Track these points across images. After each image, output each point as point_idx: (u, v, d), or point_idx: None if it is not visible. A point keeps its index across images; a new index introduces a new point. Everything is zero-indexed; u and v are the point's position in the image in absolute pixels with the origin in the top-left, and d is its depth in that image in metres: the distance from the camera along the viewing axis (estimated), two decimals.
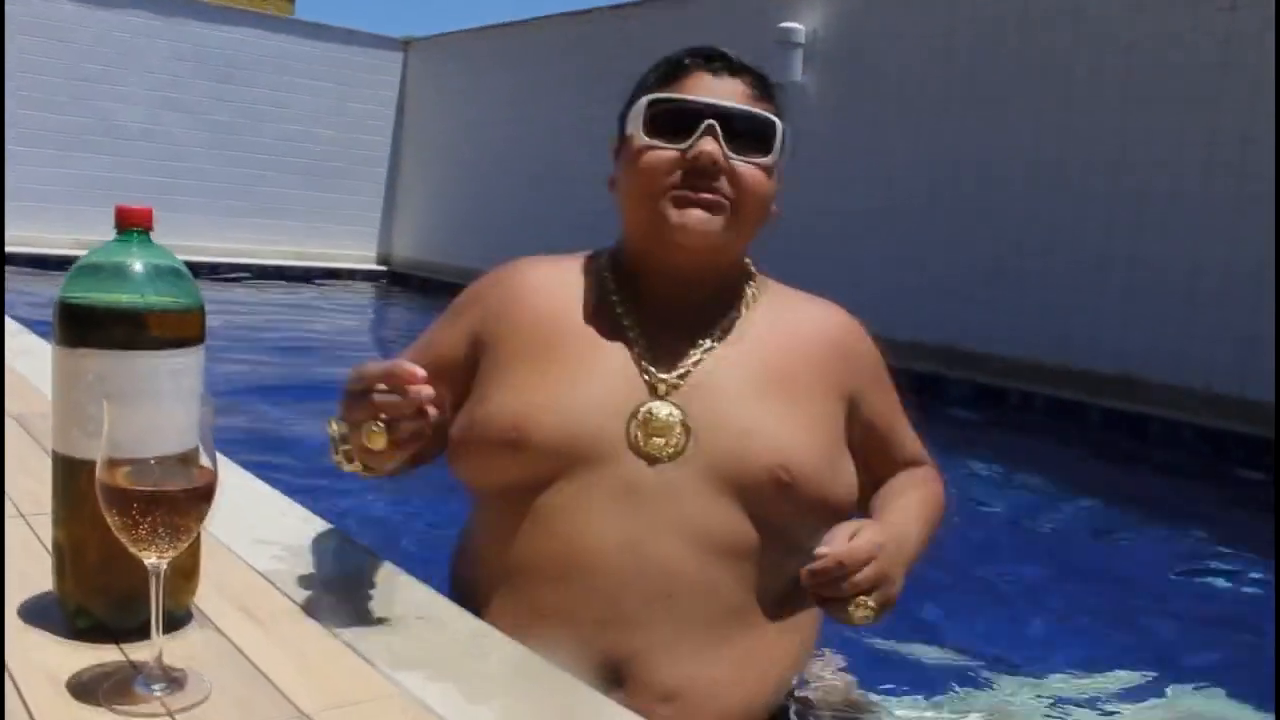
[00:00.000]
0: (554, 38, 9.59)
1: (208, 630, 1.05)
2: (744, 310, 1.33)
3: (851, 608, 1.12)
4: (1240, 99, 5.14)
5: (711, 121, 1.24)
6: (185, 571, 1.04)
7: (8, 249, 8.47)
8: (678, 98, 1.27)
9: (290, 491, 1.57)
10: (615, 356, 1.26)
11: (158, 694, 0.90)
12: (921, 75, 6.66)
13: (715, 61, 1.30)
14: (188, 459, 0.89)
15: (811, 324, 1.36)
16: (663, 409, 1.21)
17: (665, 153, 1.25)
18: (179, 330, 0.98)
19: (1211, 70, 5.29)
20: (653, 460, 1.19)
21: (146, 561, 0.88)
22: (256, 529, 1.37)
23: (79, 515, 0.97)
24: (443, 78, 11.33)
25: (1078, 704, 2.23)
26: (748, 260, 1.39)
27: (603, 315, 1.30)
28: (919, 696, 2.06)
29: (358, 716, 0.91)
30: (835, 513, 1.24)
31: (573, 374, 1.24)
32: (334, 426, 1.15)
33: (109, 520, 0.86)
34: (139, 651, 0.96)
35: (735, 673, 1.20)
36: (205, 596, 1.10)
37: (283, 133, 11.13)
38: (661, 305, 1.30)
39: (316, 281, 10.50)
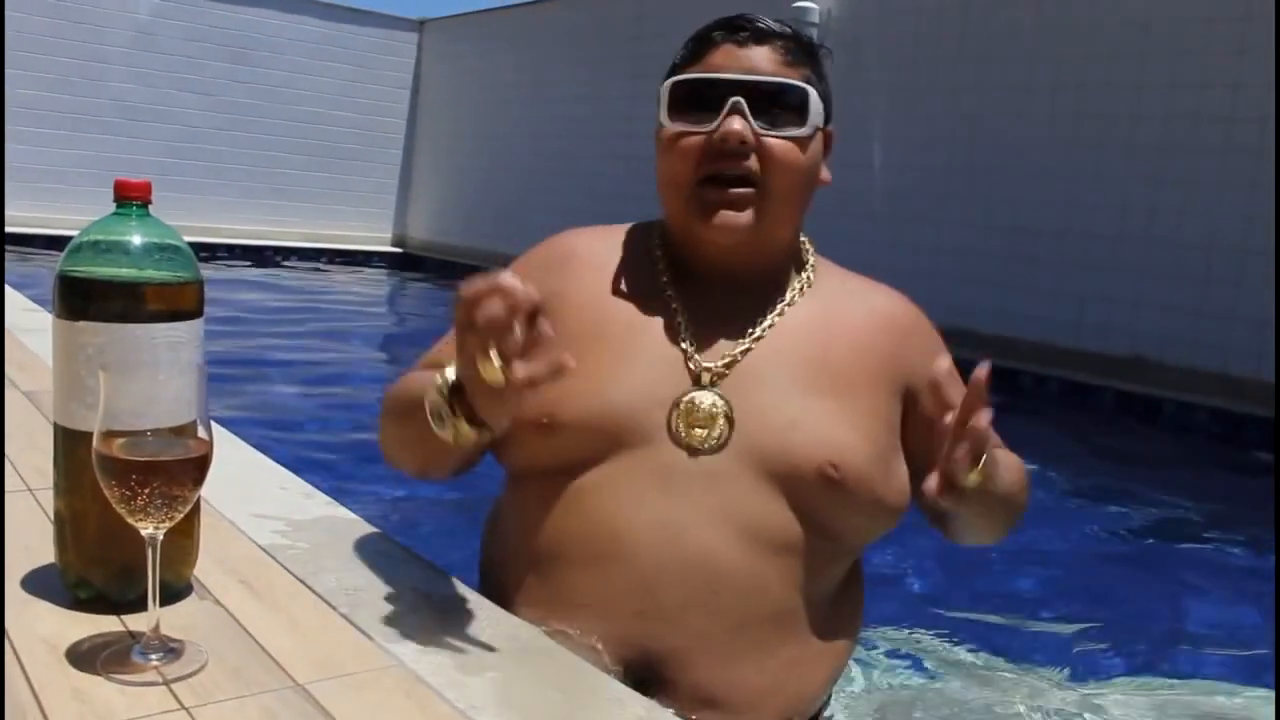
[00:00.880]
0: (568, 17, 9.56)
1: (206, 602, 1.06)
2: (796, 297, 1.26)
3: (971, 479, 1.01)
4: (1259, 80, 5.08)
5: (737, 98, 1.17)
6: (184, 544, 1.05)
7: (23, 230, 8.54)
8: (698, 76, 1.21)
9: (293, 466, 1.58)
10: (660, 341, 1.21)
11: (154, 663, 0.90)
12: (935, 56, 6.62)
13: (741, 30, 1.22)
14: (183, 430, 0.89)
15: (867, 312, 1.28)
16: (706, 399, 1.16)
17: (692, 138, 1.19)
18: (176, 303, 0.98)
19: (1230, 54, 5.24)
20: (693, 451, 1.15)
21: (143, 531, 0.89)
22: (257, 503, 1.38)
23: (79, 487, 0.98)
24: (457, 58, 11.32)
25: (1087, 687, 2.23)
26: (804, 240, 1.33)
27: (651, 296, 1.24)
28: (926, 674, 2.06)
29: (352, 687, 0.92)
30: (885, 514, 1.19)
31: (615, 358, 1.19)
32: (438, 386, 1.03)
33: (106, 491, 0.87)
34: (138, 622, 0.97)
35: (777, 682, 1.15)
36: (205, 569, 1.11)
37: (297, 114, 11.15)
38: (710, 289, 1.24)
39: (331, 263, 10.53)
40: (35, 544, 1.13)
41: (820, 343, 1.23)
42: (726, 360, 1.19)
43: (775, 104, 1.19)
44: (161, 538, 0.90)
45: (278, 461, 1.61)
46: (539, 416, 1.15)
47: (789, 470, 1.14)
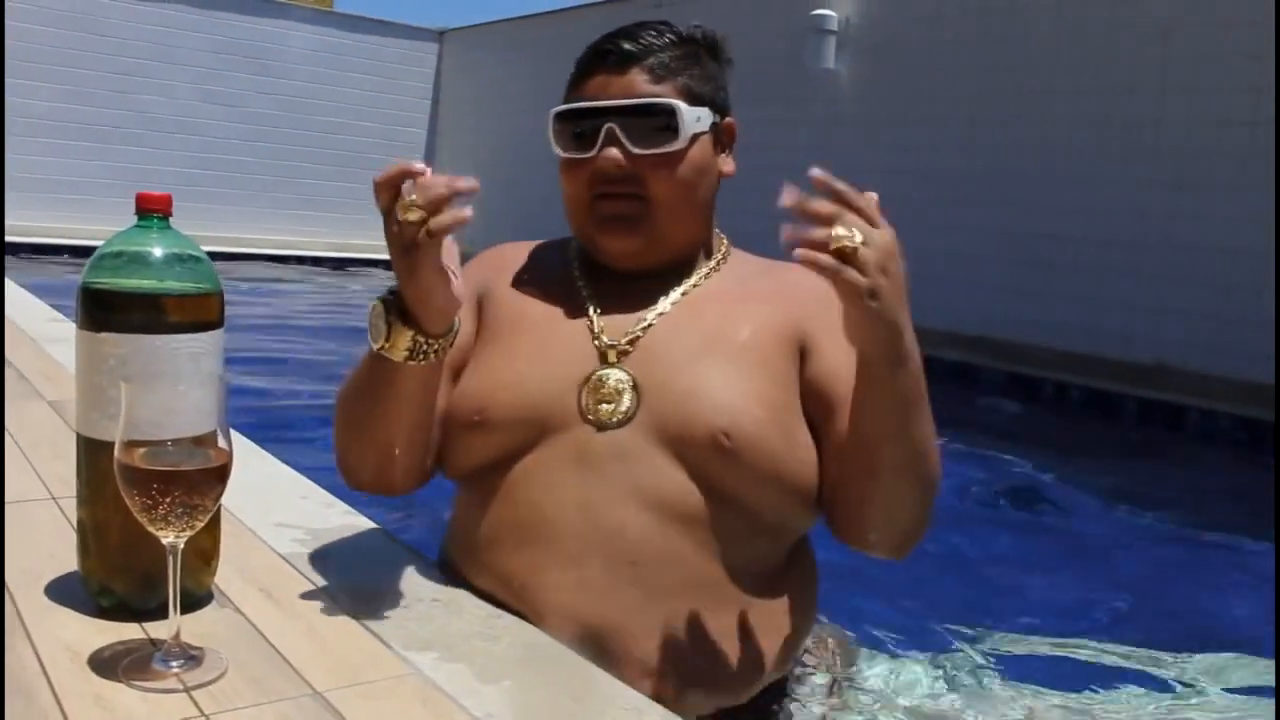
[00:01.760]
0: (587, 28, 9.54)
1: (227, 610, 1.07)
2: (701, 279, 1.32)
3: (839, 230, 0.98)
4: (1276, 88, 5.05)
5: (610, 125, 1.25)
6: (205, 553, 1.06)
7: (49, 241, 8.62)
8: (573, 107, 1.28)
9: (313, 476, 1.59)
10: (571, 328, 1.27)
11: (175, 670, 0.92)
12: (954, 62, 6.61)
13: (610, 55, 1.27)
14: (204, 440, 0.90)
15: (770, 283, 1.32)
16: (612, 374, 1.22)
17: (578, 165, 1.27)
18: (197, 314, 1.00)
19: (1248, 59, 5.21)
20: (602, 426, 1.19)
21: (164, 540, 0.90)
22: (278, 512, 1.40)
23: (101, 496, 1.00)
24: (476, 68, 11.38)
25: (1105, 691, 2.21)
26: (718, 232, 1.38)
27: (566, 291, 1.32)
28: (934, 684, 2.05)
29: (370, 695, 0.92)
30: (791, 486, 1.20)
31: (533, 349, 1.25)
32: (376, 299, 1.14)
33: (127, 500, 0.88)
34: (159, 630, 0.98)
35: (713, 654, 1.18)
36: (226, 578, 1.12)
37: (320, 124, 11.23)
38: (619, 280, 1.31)
39: (354, 271, 10.59)
40: (59, 552, 1.15)
41: (719, 313, 1.27)
42: (630, 337, 1.25)
43: (646, 124, 1.25)
44: (182, 546, 0.91)
45: (298, 471, 1.63)
46: (471, 414, 1.22)
47: (687, 439, 1.17)
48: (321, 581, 1.17)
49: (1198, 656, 2.40)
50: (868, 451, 1.15)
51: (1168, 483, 4.24)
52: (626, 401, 1.20)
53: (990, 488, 4.02)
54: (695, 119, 1.27)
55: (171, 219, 1.03)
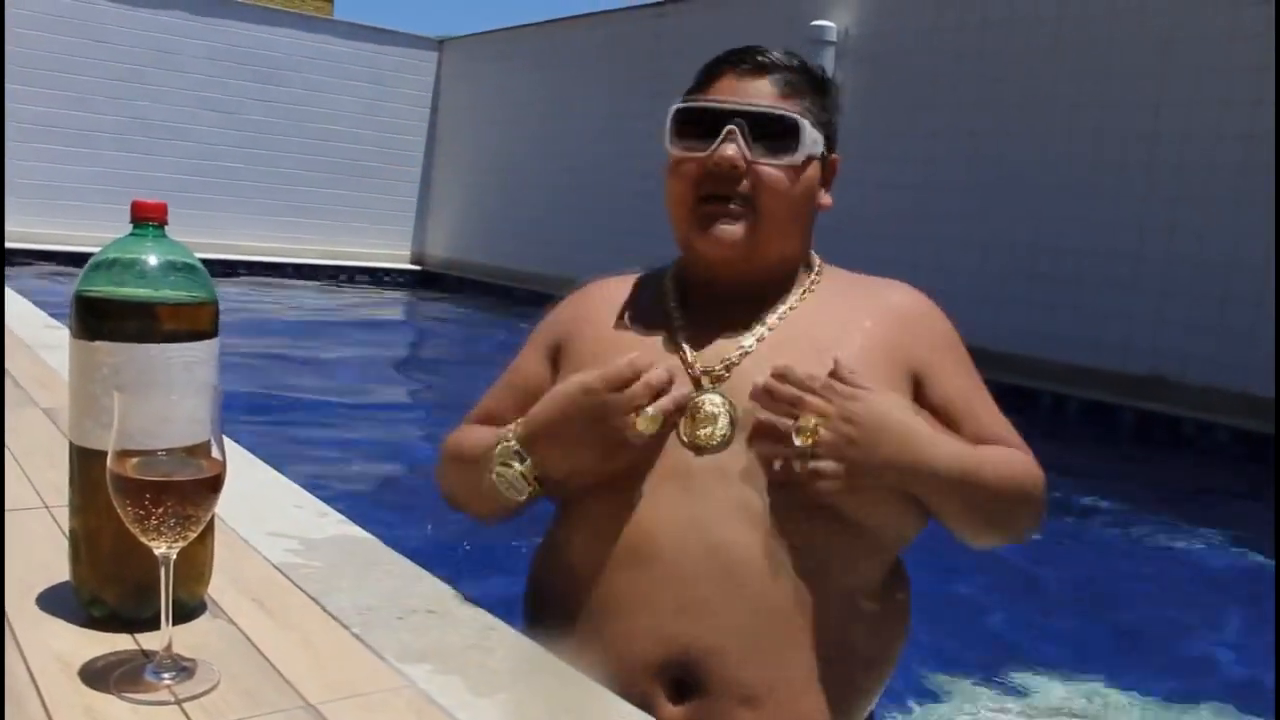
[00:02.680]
0: (586, 37, 9.61)
1: (220, 621, 1.06)
2: (797, 301, 1.32)
3: (800, 422, 1.16)
4: (1276, 101, 5.06)
5: (732, 125, 1.26)
6: (198, 563, 1.06)
7: (45, 247, 8.61)
8: (698, 103, 1.29)
9: (307, 485, 1.58)
10: (662, 354, 1.28)
11: (167, 682, 0.91)
12: (953, 73, 6.62)
13: (744, 62, 1.31)
14: (197, 450, 0.89)
15: (874, 305, 1.33)
16: (706, 399, 1.23)
17: (692, 162, 1.28)
18: (191, 323, 0.99)
19: (1248, 71, 5.22)
20: (700, 450, 1.21)
21: (156, 551, 0.89)
22: (272, 521, 1.39)
23: (93, 505, 0.99)
24: (476, 77, 11.38)
25: (1105, 705, 2.21)
26: (814, 254, 1.40)
27: (655, 317, 1.33)
28: (941, 695, 2.05)
29: (365, 708, 0.91)
30: (899, 504, 1.21)
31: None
32: (508, 457, 1.23)
33: (119, 510, 0.88)
34: (151, 641, 0.97)
35: (811, 678, 1.17)
36: (219, 588, 1.12)
37: (318, 132, 11.23)
38: (712, 302, 1.32)
39: (350, 280, 10.58)
40: (51, 561, 1.14)
41: (821, 337, 1.27)
42: (725, 363, 1.26)
43: (768, 132, 1.26)
44: (175, 556, 0.90)
45: (292, 480, 1.62)
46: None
47: (786, 464, 1.19)
48: (315, 592, 1.16)
49: (1182, 673, 2.40)
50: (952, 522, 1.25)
51: (1164, 494, 4.23)
52: (723, 425, 1.22)
53: (1052, 497, 4.01)
54: (813, 141, 1.29)
55: (167, 227, 1.02)
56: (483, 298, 9.72)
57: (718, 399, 1.23)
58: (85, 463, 0.99)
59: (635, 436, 1.17)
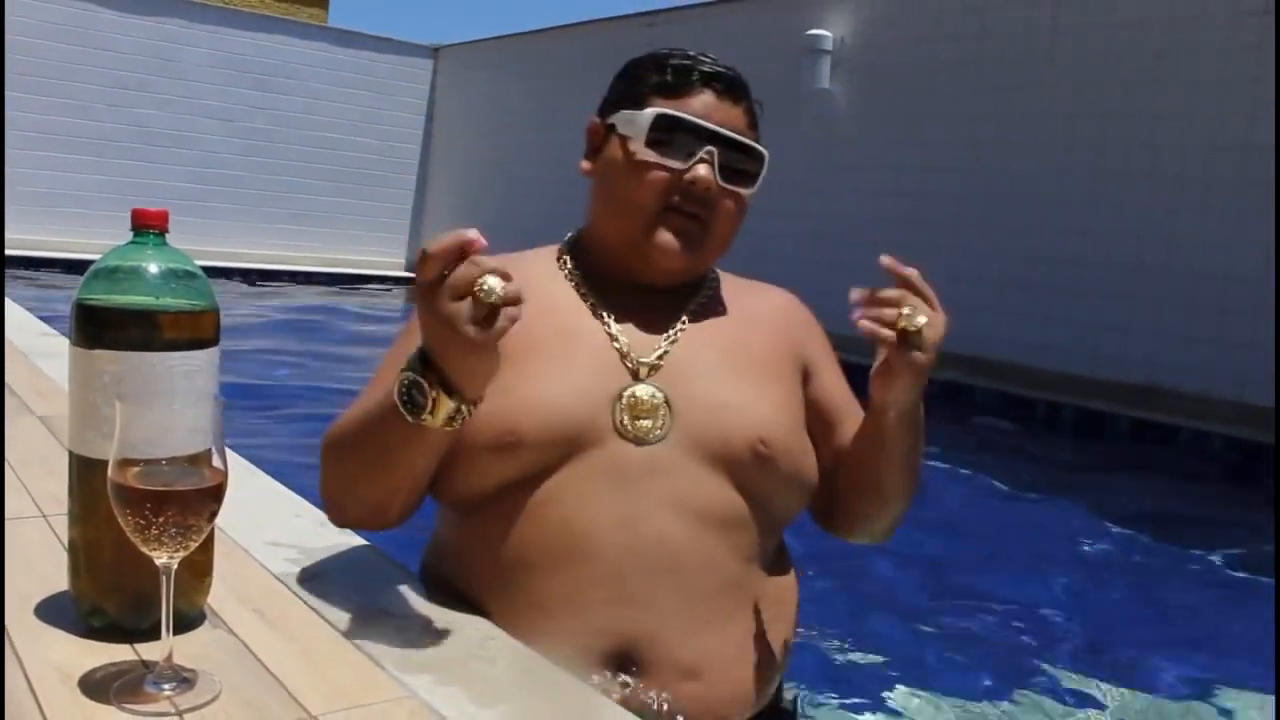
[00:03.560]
0: (580, 45, 9.62)
1: (220, 631, 1.06)
2: (706, 299, 1.38)
3: (905, 311, 1.14)
4: (1274, 112, 5.07)
5: (712, 149, 1.29)
6: (198, 572, 1.05)
7: (45, 254, 8.60)
8: (687, 119, 1.29)
9: (308, 494, 1.57)
10: (596, 345, 1.29)
11: (167, 693, 0.90)
12: (949, 84, 6.63)
13: (720, 82, 1.33)
14: (198, 459, 0.89)
15: (767, 305, 1.43)
16: (646, 391, 1.25)
17: (661, 171, 1.29)
18: (192, 331, 0.99)
19: (1246, 82, 5.24)
20: (640, 442, 1.22)
21: (157, 561, 0.89)
22: (271, 531, 1.38)
23: (94, 515, 0.98)
24: (471, 85, 11.40)
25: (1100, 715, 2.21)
26: None
27: (574, 306, 1.33)
28: (930, 695, 2.05)
29: (366, 718, 0.91)
30: (806, 486, 1.31)
31: (556, 368, 1.25)
32: (407, 366, 1.04)
33: (120, 520, 0.87)
34: (152, 651, 0.97)
35: (741, 649, 1.23)
36: (219, 598, 1.11)
37: (316, 139, 11.25)
38: (627, 297, 1.34)
39: (347, 287, 10.58)
40: (49, 571, 1.14)
41: (735, 332, 1.35)
42: (658, 354, 1.28)
43: (738, 163, 1.31)
44: (175, 566, 0.90)
45: (293, 489, 1.61)
46: (500, 436, 1.19)
47: (725, 450, 1.23)
48: (315, 602, 1.15)
49: (1174, 682, 2.40)
50: (873, 477, 1.32)
51: (1159, 502, 4.24)
52: (662, 415, 1.24)
53: (982, 506, 4.02)
54: (762, 175, 1.36)
55: (168, 234, 1.02)
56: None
57: (655, 390, 1.25)
58: (86, 472, 0.99)
59: (481, 307, 0.98)
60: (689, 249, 1.30)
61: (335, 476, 1.20)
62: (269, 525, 1.41)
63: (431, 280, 0.99)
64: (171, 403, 0.95)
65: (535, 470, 1.20)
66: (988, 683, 2.30)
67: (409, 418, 1.05)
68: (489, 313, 0.99)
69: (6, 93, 9.21)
